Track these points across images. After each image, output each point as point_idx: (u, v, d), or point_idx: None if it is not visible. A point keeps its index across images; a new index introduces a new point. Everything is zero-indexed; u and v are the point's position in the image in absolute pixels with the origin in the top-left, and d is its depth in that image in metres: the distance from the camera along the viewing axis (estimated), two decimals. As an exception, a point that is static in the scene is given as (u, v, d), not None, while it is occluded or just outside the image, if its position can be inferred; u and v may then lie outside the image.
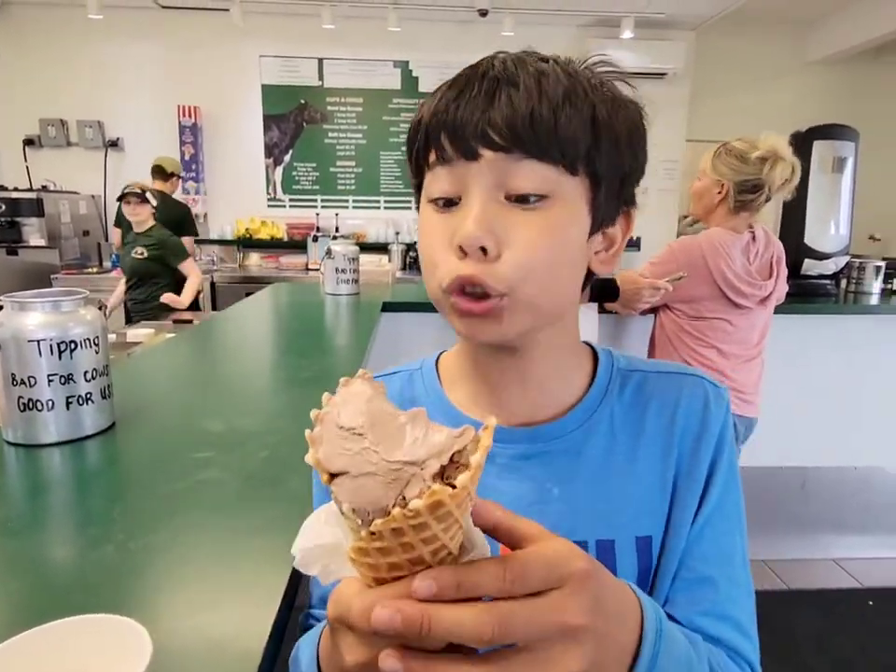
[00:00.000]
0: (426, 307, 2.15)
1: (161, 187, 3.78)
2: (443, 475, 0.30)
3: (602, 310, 2.07)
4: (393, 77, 4.75)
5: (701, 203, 1.87)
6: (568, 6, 4.40)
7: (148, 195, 3.06)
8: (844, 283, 2.84)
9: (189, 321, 2.81)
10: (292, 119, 4.80)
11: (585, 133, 0.44)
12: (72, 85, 4.56)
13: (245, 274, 4.55)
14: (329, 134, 4.85)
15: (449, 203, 0.45)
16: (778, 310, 1.98)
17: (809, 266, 2.56)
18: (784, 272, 1.92)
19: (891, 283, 2.85)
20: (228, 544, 0.69)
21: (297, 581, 0.62)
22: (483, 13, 4.38)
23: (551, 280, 0.45)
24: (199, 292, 3.18)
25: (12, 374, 0.92)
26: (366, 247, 3.94)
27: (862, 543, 2.56)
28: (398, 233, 4.90)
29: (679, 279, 1.80)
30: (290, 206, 4.95)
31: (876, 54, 5.02)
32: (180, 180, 4.02)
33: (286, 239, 4.87)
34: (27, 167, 4.59)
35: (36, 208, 4.06)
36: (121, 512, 0.75)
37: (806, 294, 2.59)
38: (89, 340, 0.97)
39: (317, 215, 4.87)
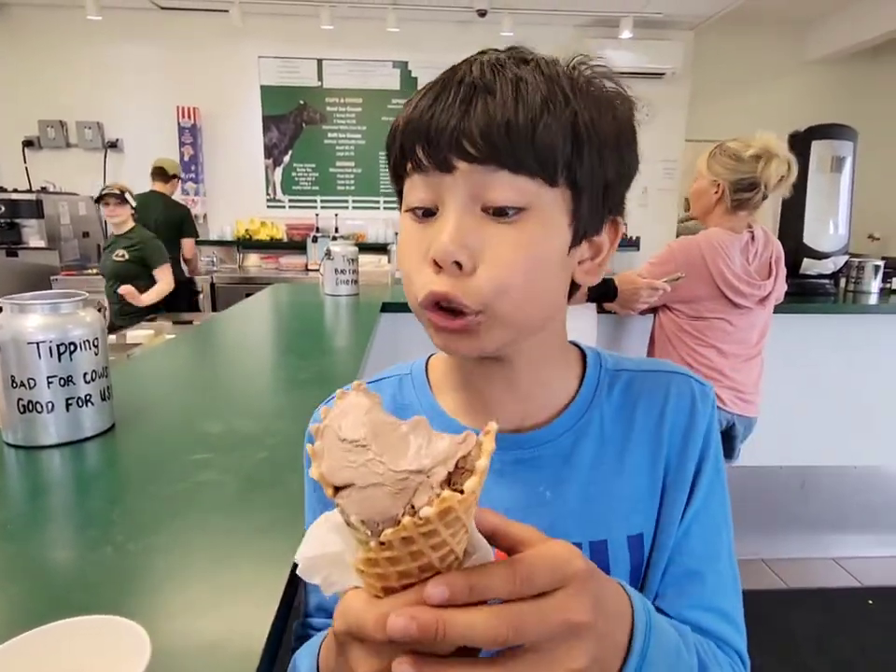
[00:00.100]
0: (425, 308, 2.14)
1: (162, 188, 3.78)
2: (449, 482, 0.30)
3: (601, 310, 2.08)
4: (392, 78, 4.76)
5: (699, 203, 1.88)
6: (567, 6, 4.40)
7: (127, 196, 2.98)
8: (843, 282, 2.84)
9: (189, 322, 2.81)
10: (291, 120, 4.80)
11: (565, 142, 0.42)
12: (71, 86, 4.57)
13: (245, 275, 4.55)
14: (329, 135, 4.85)
15: (427, 213, 0.44)
16: (778, 309, 1.99)
17: (808, 265, 2.56)
18: (783, 271, 1.92)
19: (890, 282, 2.85)
20: (227, 545, 0.69)
21: (296, 582, 0.63)
22: (482, 13, 4.38)
23: (528, 296, 0.44)
24: (162, 301, 3.07)
25: (12, 376, 0.92)
26: (365, 248, 3.94)
27: (862, 542, 2.56)
28: (397, 234, 4.88)
29: (677, 279, 1.80)
30: (290, 207, 4.95)
31: (874, 54, 5.02)
32: (179, 181, 4.02)
33: (285, 240, 4.87)
34: (26, 168, 4.60)
35: (36, 210, 4.06)
36: (121, 514, 0.75)
37: (805, 293, 2.59)
38: (88, 342, 0.97)
39: (317, 215, 4.88)
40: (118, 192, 2.95)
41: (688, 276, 1.80)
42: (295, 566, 0.63)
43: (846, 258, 2.65)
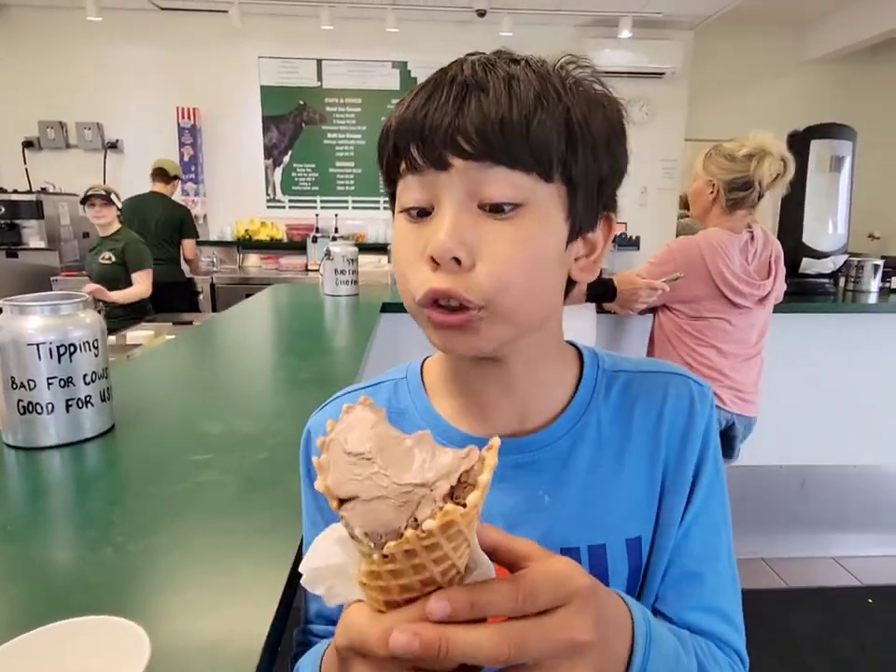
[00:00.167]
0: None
1: (163, 189, 3.78)
2: (452, 495, 0.30)
3: (600, 310, 2.08)
4: (391, 78, 4.76)
5: (697, 204, 1.89)
6: (566, 6, 4.41)
7: (113, 197, 2.93)
8: (842, 281, 2.84)
9: (189, 323, 2.81)
10: (291, 120, 4.80)
11: (559, 137, 0.42)
12: (71, 87, 4.56)
13: (245, 276, 4.55)
14: (329, 135, 4.85)
15: (422, 213, 0.44)
16: (777, 309, 1.99)
17: (807, 265, 2.56)
18: (782, 271, 1.93)
19: (890, 281, 2.85)
20: (227, 546, 0.69)
21: (296, 583, 0.63)
22: (482, 13, 4.38)
23: (528, 291, 0.44)
24: (139, 303, 3.02)
25: (12, 378, 0.92)
26: (365, 248, 3.94)
27: (862, 541, 2.56)
28: (396, 234, 4.90)
29: (675, 279, 1.80)
30: (290, 207, 4.95)
31: (873, 53, 5.02)
32: (179, 182, 4.03)
33: (285, 240, 4.87)
34: (26, 169, 4.60)
35: (36, 210, 4.07)
36: (120, 515, 0.76)
37: (805, 293, 2.59)
38: (88, 343, 0.97)
39: (317, 215, 4.88)
40: (103, 193, 2.89)
41: (687, 276, 1.80)
42: (296, 568, 0.63)
43: (845, 257, 2.65)
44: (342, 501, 0.31)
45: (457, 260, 0.41)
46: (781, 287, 1.93)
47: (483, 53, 0.45)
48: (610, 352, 0.57)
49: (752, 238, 1.86)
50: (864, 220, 4.34)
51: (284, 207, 4.95)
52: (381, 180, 0.49)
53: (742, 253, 1.83)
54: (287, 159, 4.87)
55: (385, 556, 0.30)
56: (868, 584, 2.31)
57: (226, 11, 4.27)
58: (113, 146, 4.67)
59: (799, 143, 2.41)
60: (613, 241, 0.51)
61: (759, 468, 2.55)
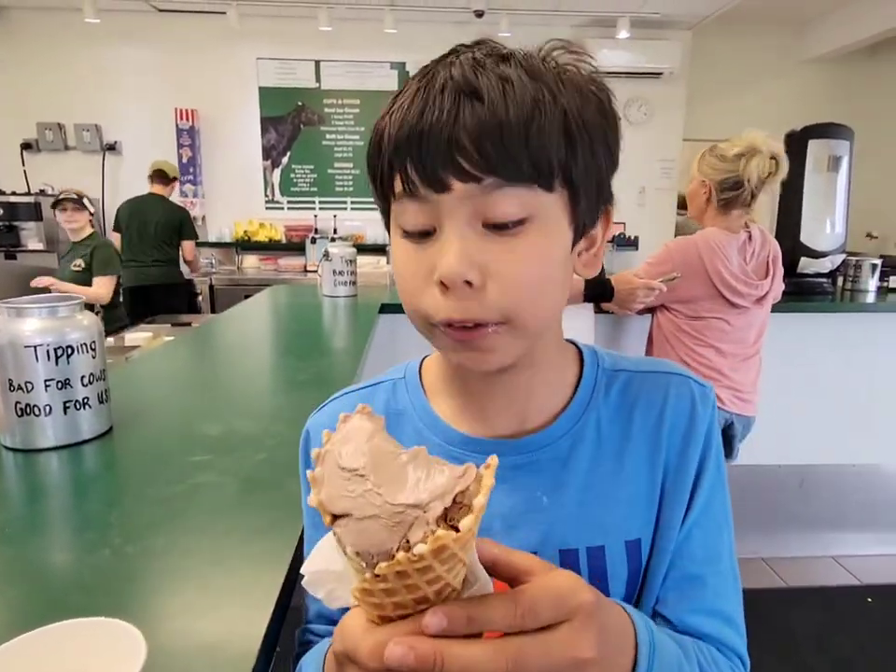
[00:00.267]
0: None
1: (161, 191, 3.78)
2: (446, 516, 0.30)
3: (598, 310, 2.08)
4: (390, 79, 4.76)
5: (693, 204, 1.91)
6: (564, 6, 4.41)
7: (86, 201, 2.90)
8: (840, 281, 2.85)
9: (188, 324, 2.81)
10: (289, 122, 4.81)
11: (559, 144, 0.41)
12: (69, 89, 4.56)
13: (244, 277, 4.56)
14: (327, 136, 4.85)
15: (424, 234, 0.43)
16: (775, 308, 1.99)
17: (806, 264, 2.56)
18: (780, 270, 1.93)
19: (888, 280, 2.85)
20: (225, 546, 0.69)
21: (293, 584, 0.63)
22: (480, 14, 4.39)
23: (541, 303, 0.44)
24: (92, 306, 2.96)
25: (9, 380, 0.92)
26: (364, 249, 3.95)
27: (861, 540, 2.57)
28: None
29: (672, 279, 1.81)
30: (288, 208, 4.95)
31: (871, 53, 5.03)
32: (178, 183, 4.03)
33: (284, 241, 4.87)
34: (25, 171, 4.59)
35: (34, 212, 4.07)
36: (118, 516, 0.76)
37: (803, 292, 2.59)
38: (85, 345, 0.97)
39: (315, 217, 4.88)
40: (75, 197, 2.86)
41: (685, 276, 1.81)
42: (294, 569, 0.63)
43: (843, 256, 2.65)
44: (335, 517, 0.30)
45: (469, 283, 0.41)
46: (779, 286, 1.94)
47: (470, 47, 0.44)
48: (610, 351, 0.57)
49: (750, 238, 1.86)
50: (862, 220, 4.34)
51: (282, 208, 4.95)
52: (372, 193, 0.47)
53: (740, 253, 1.83)
54: (285, 160, 4.87)
55: (377, 576, 0.29)
56: (867, 583, 2.31)
57: (224, 13, 4.27)
58: (111, 147, 4.67)
59: (796, 143, 2.42)
60: (612, 241, 0.51)
61: (758, 467, 2.55)
